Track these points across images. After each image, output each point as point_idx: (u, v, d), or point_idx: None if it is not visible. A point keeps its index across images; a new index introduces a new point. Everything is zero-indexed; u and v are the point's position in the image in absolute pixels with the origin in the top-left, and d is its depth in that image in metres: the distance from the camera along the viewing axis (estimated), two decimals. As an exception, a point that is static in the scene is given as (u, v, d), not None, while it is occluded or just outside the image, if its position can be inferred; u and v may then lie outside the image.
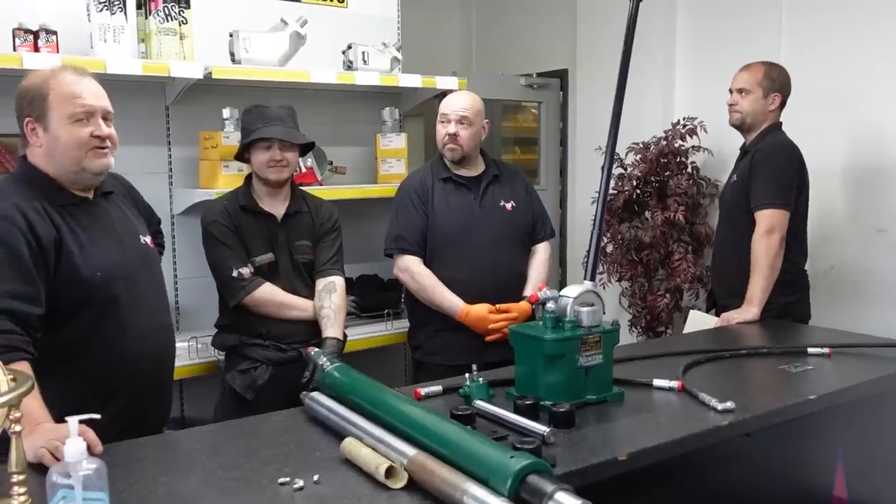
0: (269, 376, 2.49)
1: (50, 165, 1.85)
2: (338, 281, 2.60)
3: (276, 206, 2.59)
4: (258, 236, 2.55)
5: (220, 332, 2.62)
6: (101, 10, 2.59)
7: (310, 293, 2.59)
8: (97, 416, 1.17)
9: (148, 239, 2.07)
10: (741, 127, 2.98)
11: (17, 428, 1.24)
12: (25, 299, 1.71)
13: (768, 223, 2.73)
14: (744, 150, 3.01)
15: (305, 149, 2.70)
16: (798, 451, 1.97)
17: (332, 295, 2.55)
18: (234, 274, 2.49)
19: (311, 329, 2.53)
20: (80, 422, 1.16)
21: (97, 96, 1.86)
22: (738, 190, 2.89)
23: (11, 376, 1.32)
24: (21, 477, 1.24)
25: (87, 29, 2.62)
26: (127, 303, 1.90)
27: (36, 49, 2.51)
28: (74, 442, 1.10)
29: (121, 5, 2.62)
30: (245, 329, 2.53)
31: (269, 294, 2.51)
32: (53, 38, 2.55)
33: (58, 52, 2.54)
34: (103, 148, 1.86)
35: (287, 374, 2.45)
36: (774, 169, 2.80)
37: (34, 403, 1.56)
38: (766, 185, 2.78)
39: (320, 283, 2.59)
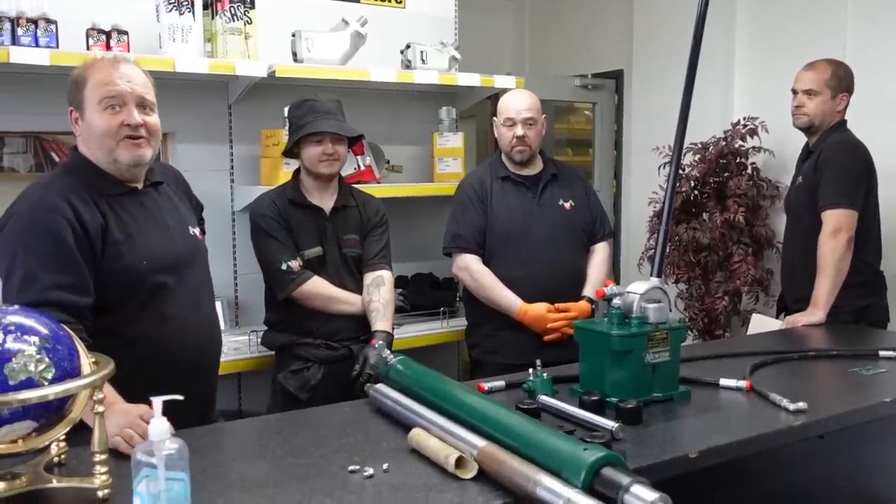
0: (321, 375, 2.50)
1: (90, 154, 1.84)
2: (385, 275, 2.60)
3: (325, 200, 2.60)
4: (307, 230, 2.55)
5: (269, 330, 2.64)
6: (171, 11, 2.65)
7: (357, 287, 2.59)
8: (180, 398, 1.19)
9: (197, 231, 2.04)
10: (807, 129, 2.89)
11: (100, 409, 1.28)
12: (72, 289, 1.71)
13: (835, 223, 2.65)
14: (808, 150, 2.92)
15: (351, 142, 2.68)
16: (871, 456, 1.92)
17: (380, 289, 2.55)
18: (284, 267, 2.49)
19: (359, 325, 2.54)
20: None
21: (132, 83, 1.79)
22: (805, 192, 2.81)
23: (94, 359, 1.37)
24: (103, 457, 1.28)
25: (156, 29, 2.69)
26: (172, 294, 1.87)
27: (108, 48, 2.58)
28: (158, 421, 1.12)
29: (188, 6, 2.68)
30: (295, 327, 2.54)
31: (319, 287, 2.52)
32: (125, 37, 2.62)
33: (129, 51, 2.61)
34: (136, 138, 1.80)
35: (338, 371, 2.47)
36: (841, 168, 2.72)
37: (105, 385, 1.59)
38: (833, 184, 2.70)
39: (368, 278, 2.59)
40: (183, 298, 1.90)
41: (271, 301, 2.61)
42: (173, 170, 2.18)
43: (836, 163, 2.73)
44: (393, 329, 2.57)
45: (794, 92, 2.90)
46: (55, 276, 1.69)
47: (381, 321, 2.49)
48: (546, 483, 1.20)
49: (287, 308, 2.55)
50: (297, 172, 2.66)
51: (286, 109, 2.94)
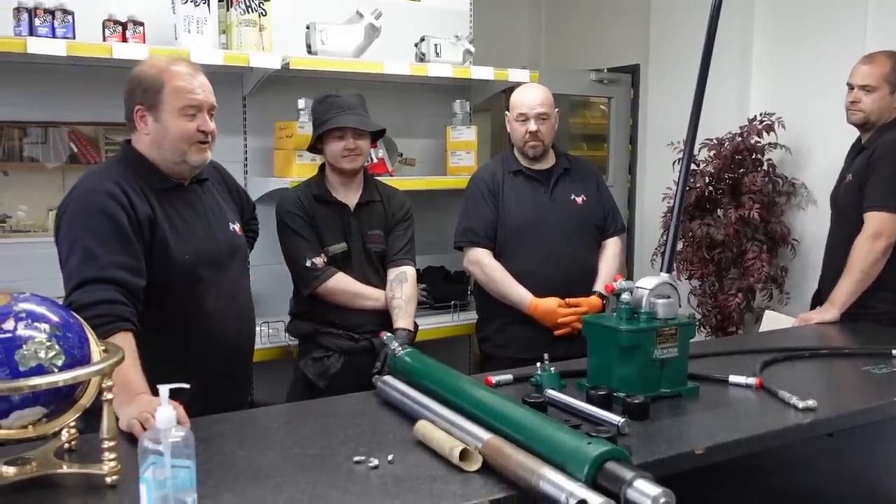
0: (341, 365, 2.52)
1: (154, 153, 1.92)
2: (409, 271, 2.61)
3: (350, 196, 2.61)
4: (331, 226, 2.57)
5: (294, 319, 2.67)
6: (186, 3, 2.67)
7: (381, 282, 2.60)
8: (186, 386, 1.20)
9: (237, 227, 2.11)
10: (862, 126, 2.77)
11: (109, 396, 1.30)
12: (131, 270, 1.77)
13: (877, 226, 2.57)
14: (860, 147, 2.80)
15: (374, 137, 2.70)
16: (880, 455, 1.90)
17: (403, 285, 2.56)
18: (308, 264, 2.52)
19: (382, 319, 2.55)
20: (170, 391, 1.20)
21: (205, 92, 1.93)
22: (856, 190, 2.69)
23: (103, 347, 1.38)
24: (111, 443, 1.30)
25: (171, 21, 2.71)
26: (211, 287, 1.96)
27: (124, 39, 2.61)
28: (165, 409, 1.13)
29: (204, -3, 2.70)
30: (319, 317, 2.57)
31: (342, 284, 2.54)
32: (140, 28, 2.64)
33: (144, 42, 2.63)
34: (205, 143, 1.93)
35: (358, 363, 2.48)
36: (891, 169, 2.61)
37: (134, 373, 1.62)
38: (881, 185, 2.60)
39: (392, 273, 2.60)
40: (222, 292, 1.99)
41: (297, 292, 2.63)
42: (218, 166, 2.23)
43: (888, 162, 2.62)
44: (416, 326, 2.58)
45: (850, 86, 2.76)
46: (114, 255, 1.76)
47: (402, 319, 2.51)
48: (549, 476, 1.20)
49: (312, 300, 2.57)
50: (322, 168, 2.67)
51: (301, 102, 2.97)
